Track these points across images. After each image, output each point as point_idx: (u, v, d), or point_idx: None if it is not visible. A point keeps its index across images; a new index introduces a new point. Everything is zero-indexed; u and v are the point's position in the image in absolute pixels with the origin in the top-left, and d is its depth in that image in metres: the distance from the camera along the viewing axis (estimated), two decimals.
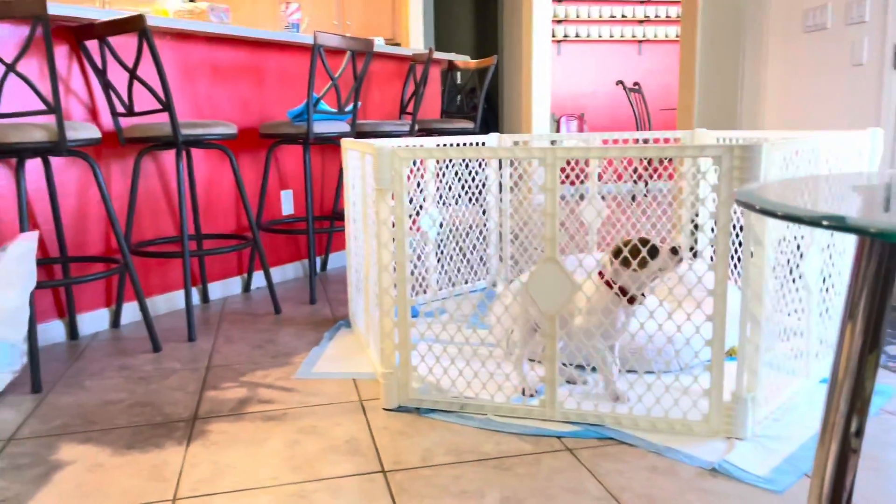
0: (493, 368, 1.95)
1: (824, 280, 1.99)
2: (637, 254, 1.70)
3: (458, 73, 4.11)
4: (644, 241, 1.71)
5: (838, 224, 0.58)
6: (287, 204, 3.43)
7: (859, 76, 3.13)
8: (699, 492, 1.44)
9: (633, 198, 5.11)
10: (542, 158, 1.67)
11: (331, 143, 3.18)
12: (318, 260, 3.64)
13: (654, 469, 1.54)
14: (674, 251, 1.69)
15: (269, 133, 3.00)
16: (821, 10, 3.30)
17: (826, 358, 2.06)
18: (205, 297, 3.05)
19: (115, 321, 2.71)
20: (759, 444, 1.63)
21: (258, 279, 3.29)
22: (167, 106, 2.39)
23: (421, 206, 2.79)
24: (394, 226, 1.81)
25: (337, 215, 3.55)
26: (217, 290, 3.11)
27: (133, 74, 2.39)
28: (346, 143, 2.45)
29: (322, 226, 3.61)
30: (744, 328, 1.64)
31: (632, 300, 1.75)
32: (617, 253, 1.75)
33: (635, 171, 5.15)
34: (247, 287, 3.24)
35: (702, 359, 2.06)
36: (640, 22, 7.05)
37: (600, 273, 1.78)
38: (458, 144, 2.92)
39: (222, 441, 1.72)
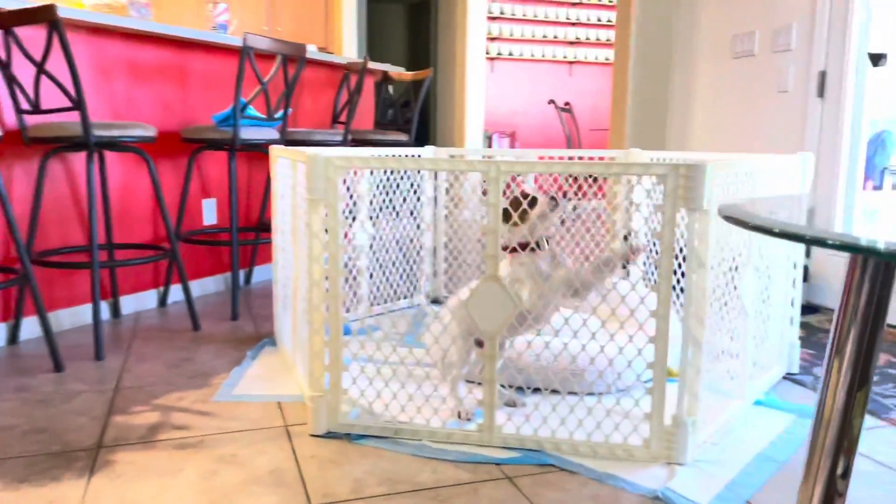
0: (429, 391, 1.85)
1: (760, 303, 2.00)
2: (518, 206, 1.74)
3: (392, 85, 4.02)
4: (522, 195, 1.75)
5: (848, 244, 0.52)
6: (209, 213, 3.25)
7: (785, 102, 3.22)
8: None
9: (562, 221, 5.15)
10: (485, 172, 1.59)
11: (258, 151, 3.03)
12: (242, 273, 3.47)
13: (596, 498, 1.48)
14: (552, 198, 1.74)
15: (192, 138, 2.83)
16: (748, 37, 3.39)
17: (759, 379, 2.06)
18: (116, 311, 2.84)
19: (13, 337, 2.47)
20: (700, 469, 1.60)
21: (176, 293, 3.09)
22: (78, 104, 2.21)
23: (355, 218, 2.68)
24: (327, 238, 1.70)
25: (263, 226, 3.39)
26: (130, 303, 2.90)
27: (41, 69, 2.20)
28: (276, 151, 2.32)
29: (247, 237, 3.44)
30: (685, 351, 1.61)
31: (528, 247, 1.74)
32: (505, 216, 1.76)
33: (565, 194, 5.20)
34: (163, 301, 3.03)
35: (643, 380, 2.03)
36: (572, 43, 7.16)
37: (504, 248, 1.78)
38: (394, 157, 2.83)
39: (130, 472, 1.55)
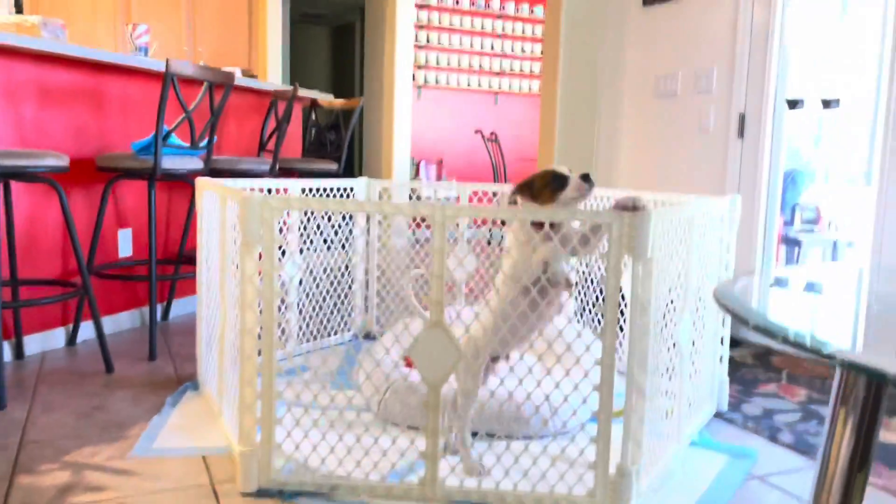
0: (368, 443, 1.77)
1: (693, 343, 2.02)
2: (546, 183, 1.60)
3: (318, 112, 3.93)
4: (551, 172, 1.61)
5: (854, 365, 0.50)
6: (125, 245, 3.06)
7: (707, 142, 3.33)
8: None
9: (489, 242, 5.16)
10: (430, 216, 1.55)
11: (180, 180, 2.88)
12: (160, 307, 3.28)
13: None
14: (585, 178, 1.59)
15: (109, 166, 2.66)
16: (671, 78, 3.50)
17: (693, 419, 2.08)
18: (18, 352, 2.62)
19: None
20: None
21: (86, 330, 2.88)
22: None
23: (284, 252, 2.58)
24: (261, 282, 1.60)
25: (183, 258, 3.22)
26: (35, 343, 2.68)
27: None
28: (203, 184, 2.20)
29: (166, 270, 3.26)
30: (629, 398, 1.60)
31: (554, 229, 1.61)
32: (522, 189, 1.64)
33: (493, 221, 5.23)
34: (72, 340, 2.82)
35: (581, 419, 2.01)
36: (497, 74, 7.25)
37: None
38: (328, 191, 2.75)
39: None
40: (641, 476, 1.64)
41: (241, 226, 1.58)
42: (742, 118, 3.15)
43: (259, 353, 1.61)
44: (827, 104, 2.92)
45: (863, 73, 3.19)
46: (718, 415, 2.26)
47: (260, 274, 1.59)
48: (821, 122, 3.80)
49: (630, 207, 1.53)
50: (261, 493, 1.64)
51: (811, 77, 3.27)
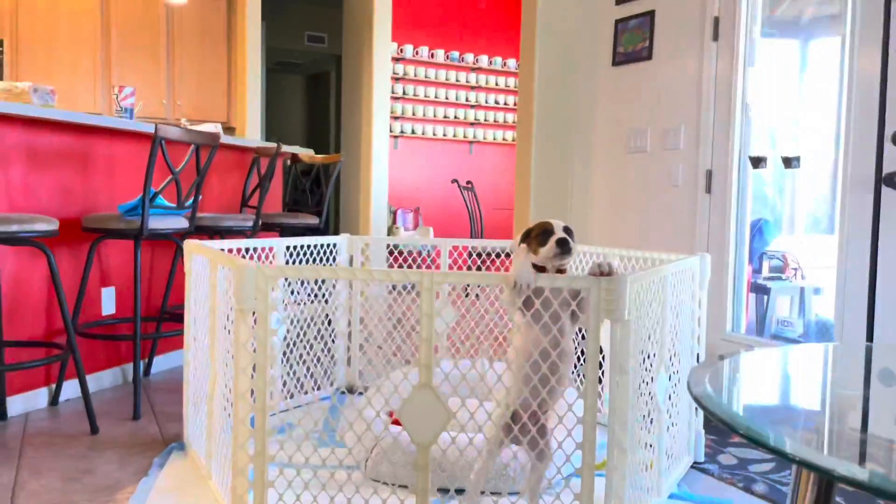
0: (358, 503, 1.80)
1: (669, 397, 2.10)
2: (536, 235, 1.71)
3: (298, 166, 4.02)
4: (545, 226, 1.71)
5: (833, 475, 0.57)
6: (108, 302, 3.08)
7: (676, 196, 3.47)
8: None
9: (467, 294, 5.24)
10: (419, 282, 1.62)
11: (165, 239, 2.92)
12: (142, 364, 3.28)
13: None
14: (560, 242, 1.67)
15: (95, 227, 2.70)
16: (641, 135, 3.65)
17: (673, 472, 2.14)
18: (1, 413, 2.61)
19: None
20: None
21: (69, 389, 2.88)
22: None
23: None
24: (254, 349, 1.65)
25: (167, 315, 3.25)
26: (17, 404, 2.68)
27: None
28: (191, 247, 2.25)
29: (148, 327, 3.28)
30: (611, 455, 1.66)
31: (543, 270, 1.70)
32: (524, 235, 1.75)
33: (469, 268, 5.30)
34: (54, 399, 2.82)
35: (564, 473, 2.07)
36: (472, 124, 7.44)
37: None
38: (312, 248, 2.81)
39: None
40: None
41: (235, 294, 1.64)
42: (709, 174, 3.30)
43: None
44: (788, 163, 3.08)
45: (822, 130, 3.37)
46: (696, 465, 2.33)
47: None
48: (783, 177, 3.98)
49: (606, 273, 1.62)
50: None
51: (773, 135, 3.44)
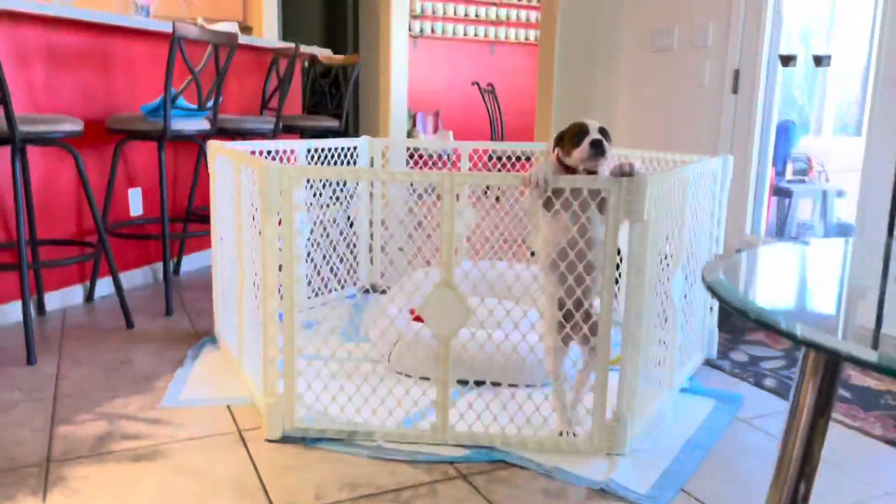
0: (383, 393, 1.90)
1: (685, 296, 2.15)
2: (571, 136, 1.69)
3: (317, 68, 3.96)
4: (580, 126, 1.69)
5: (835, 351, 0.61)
6: (136, 204, 3.15)
7: (702, 97, 3.40)
8: None
9: (485, 192, 5.25)
10: (439, 183, 1.64)
11: (188, 140, 2.95)
12: (171, 264, 3.38)
13: (547, 492, 1.58)
14: (595, 144, 1.65)
15: (119, 128, 2.73)
16: (667, 33, 3.54)
17: (685, 367, 2.22)
18: (40, 308, 2.73)
19: None
20: (637, 459, 1.73)
21: (102, 287, 3.00)
22: (2, 100, 2.10)
23: None
24: (281, 248, 1.71)
25: (193, 216, 3.32)
26: (55, 300, 2.80)
27: None
28: (215, 148, 2.28)
29: (176, 228, 3.36)
30: (625, 350, 1.73)
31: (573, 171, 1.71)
32: (558, 138, 1.74)
33: (489, 171, 5.29)
34: (89, 296, 2.94)
35: (579, 368, 2.15)
36: (493, 23, 7.21)
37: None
38: (333, 150, 2.83)
39: (86, 489, 1.54)
40: (635, 420, 1.78)
41: (260, 195, 1.67)
42: (737, 74, 3.22)
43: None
44: (819, 61, 2.99)
45: (855, 28, 3.25)
46: (708, 362, 2.40)
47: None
48: (813, 76, 3.86)
49: (627, 173, 1.63)
50: (285, 439, 1.78)
51: (804, 32, 3.32)
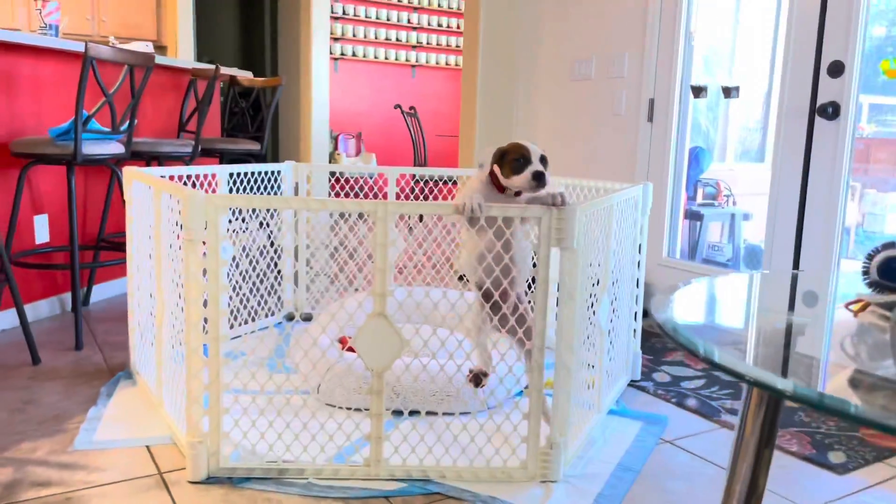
0: (315, 428, 1.85)
1: (611, 321, 2.20)
2: (512, 160, 1.71)
3: (236, 89, 3.87)
4: (522, 152, 1.70)
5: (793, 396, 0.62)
6: (41, 231, 2.97)
7: (619, 124, 3.52)
8: None
9: (420, 218, 5.25)
10: (373, 212, 1.62)
11: (100, 165, 2.80)
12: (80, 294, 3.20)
13: None
14: (536, 176, 1.67)
15: (25, 153, 2.57)
16: (586, 63, 3.66)
17: (612, 390, 2.26)
18: None
19: None
20: (571, 485, 1.74)
21: (4, 320, 2.80)
22: None
23: None
24: (205, 276, 1.64)
25: (104, 243, 3.16)
26: None
27: None
28: (131, 174, 2.18)
29: (86, 255, 3.18)
30: (557, 376, 1.74)
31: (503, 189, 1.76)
32: (498, 156, 1.76)
33: (414, 193, 5.29)
34: None
35: (513, 395, 2.16)
36: (414, 47, 7.27)
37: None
38: (255, 175, 2.75)
39: None
40: (568, 445, 1.80)
41: (185, 224, 1.61)
42: (651, 103, 3.35)
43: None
44: (728, 92, 3.15)
45: (758, 60, 3.45)
46: (633, 383, 2.46)
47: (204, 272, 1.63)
48: (719, 105, 4.07)
49: (558, 204, 1.66)
50: (210, 480, 1.69)
51: (712, 64, 3.49)
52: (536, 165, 1.70)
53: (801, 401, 0.59)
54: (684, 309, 0.91)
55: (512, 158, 1.72)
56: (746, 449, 0.74)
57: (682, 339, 0.72)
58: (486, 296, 1.83)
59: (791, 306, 0.95)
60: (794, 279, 1.12)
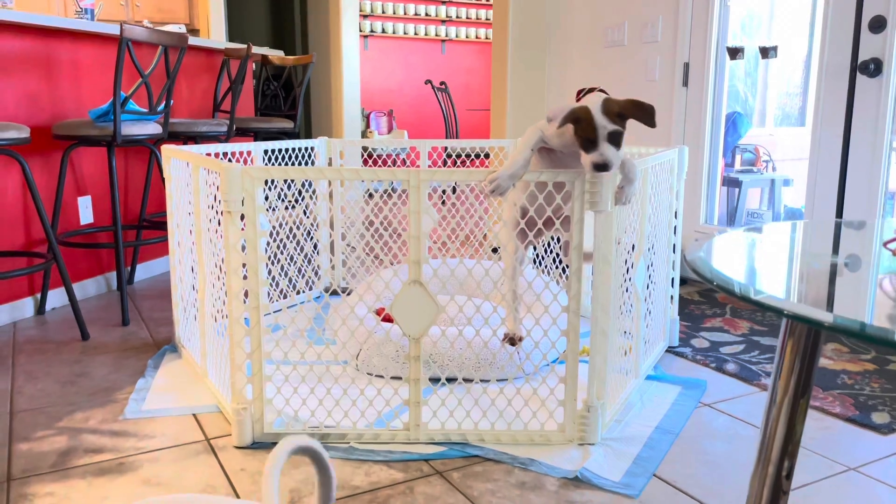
0: (354, 394, 1.89)
1: (647, 286, 2.18)
2: (584, 134, 1.57)
3: (269, 68, 3.90)
4: (589, 133, 1.56)
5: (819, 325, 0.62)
6: (85, 212, 3.05)
7: (653, 91, 3.47)
8: None
9: (454, 189, 5.24)
10: (405, 180, 1.63)
11: (139, 145, 2.86)
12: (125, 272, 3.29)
13: (523, 485, 1.59)
14: (600, 167, 1.56)
15: (66, 134, 2.64)
16: (619, 29, 3.60)
17: (649, 355, 2.26)
18: None
19: None
20: (609, 447, 1.75)
21: (54, 299, 2.90)
22: None
23: None
24: (244, 249, 1.67)
25: (146, 223, 3.23)
26: (4, 314, 2.69)
27: None
28: (169, 152, 2.22)
29: (128, 235, 3.27)
30: (594, 340, 1.75)
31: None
32: (576, 119, 1.61)
33: (447, 166, 5.30)
34: (40, 309, 2.83)
35: (549, 359, 2.17)
36: (443, 21, 7.22)
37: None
38: (290, 151, 2.79)
39: None
40: (606, 409, 1.80)
41: (223, 196, 1.64)
42: (686, 67, 3.29)
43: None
44: (765, 53, 3.07)
45: (793, 20, 3.35)
46: (670, 349, 2.45)
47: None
48: (755, 68, 3.97)
49: (621, 202, 1.66)
50: (255, 445, 1.74)
51: (749, 25, 3.41)
52: (602, 151, 1.55)
53: (842, 331, 0.58)
54: (721, 252, 0.90)
55: (583, 134, 1.57)
56: (785, 388, 0.74)
57: (714, 277, 0.72)
58: (525, 211, 1.80)
59: (835, 250, 0.94)
60: (838, 227, 1.10)
